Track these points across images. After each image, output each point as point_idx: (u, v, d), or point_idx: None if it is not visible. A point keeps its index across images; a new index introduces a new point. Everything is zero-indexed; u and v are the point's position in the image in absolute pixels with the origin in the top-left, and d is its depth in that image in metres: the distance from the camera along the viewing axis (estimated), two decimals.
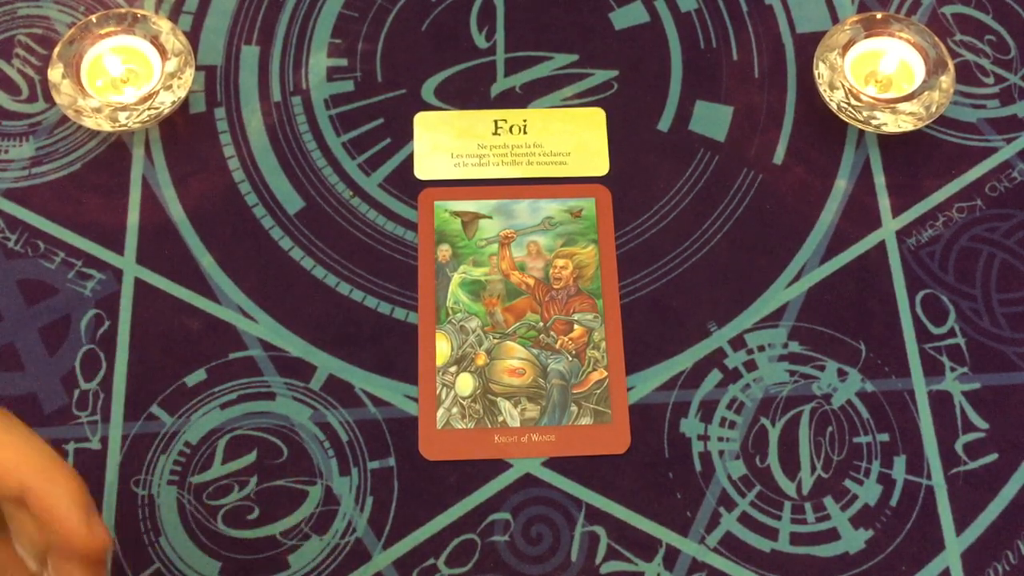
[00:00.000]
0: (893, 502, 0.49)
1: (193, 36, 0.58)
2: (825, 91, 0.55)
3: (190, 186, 0.54)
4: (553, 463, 0.49)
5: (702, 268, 0.53)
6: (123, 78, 0.54)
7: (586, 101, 0.57)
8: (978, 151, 0.56)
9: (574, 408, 0.50)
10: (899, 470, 0.49)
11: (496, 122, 0.56)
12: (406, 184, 0.55)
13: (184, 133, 0.56)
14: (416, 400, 0.50)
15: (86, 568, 0.35)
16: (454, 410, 0.50)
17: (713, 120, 0.56)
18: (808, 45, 0.58)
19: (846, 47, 0.55)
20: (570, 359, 0.51)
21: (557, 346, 0.51)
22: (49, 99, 0.56)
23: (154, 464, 0.49)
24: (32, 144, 0.55)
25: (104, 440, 0.49)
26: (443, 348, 0.51)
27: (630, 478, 0.49)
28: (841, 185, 0.55)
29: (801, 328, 0.52)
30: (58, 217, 0.53)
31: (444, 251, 0.53)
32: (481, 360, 0.51)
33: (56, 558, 0.35)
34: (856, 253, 0.54)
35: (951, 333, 0.52)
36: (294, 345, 0.51)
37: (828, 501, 0.49)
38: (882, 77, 0.55)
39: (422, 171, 0.55)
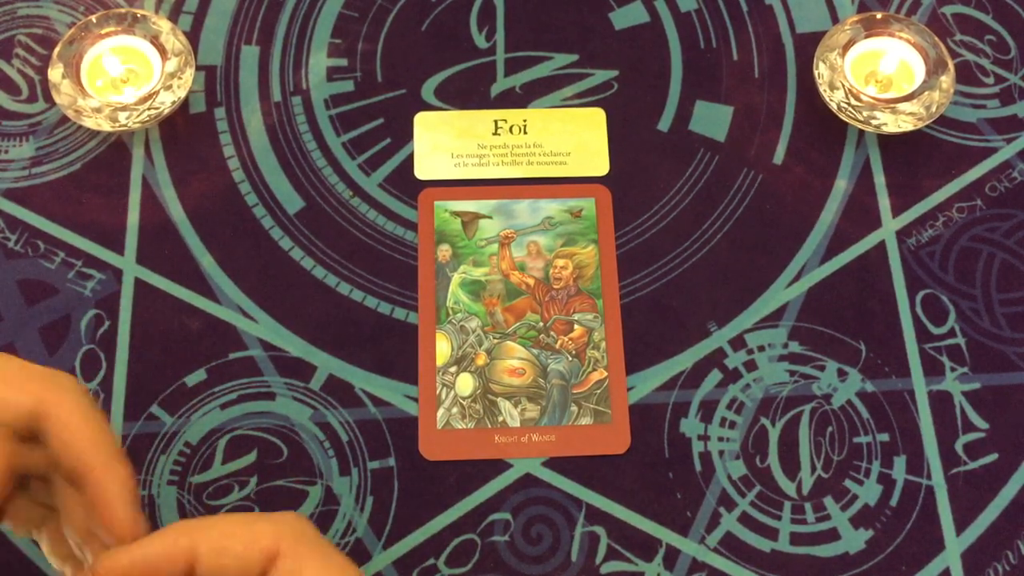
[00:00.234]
0: (893, 502, 0.49)
1: (193, 36, 0.58)
2: (825, 91, 0.55)
3: (190, 186, 0.54)
4: (553, 463, 0.49)
5: (702, 268, 0.53)
6: (123, 78, 0.54)
7: (586, 101, 0.57)
8: (978, 151, 0.56)
9: (574, 408, 0.50)
10: (899, 470, 0.49)
11: (496, 122, 0.56)
12: (406, 184, 0.55)
13: (184, 133, 0.56)
14: (416, 400, 0.50)
15: None
16: (454, 410, 0.50)
17: (713, 120, 0.56)
18: (808, 45, 0.58)
19: (846, 47, 0.55)
20: (570, 359, 0.51)
21: (557, 346, 0.51)
22: (49, 99, 0.56)
23: (154, 464, 0.49)
24: (32, 144, 0.55)
25: None
26: (443, 348, 0.51)
27: (630, 478, 0.49)
28: (841, 185, 0.55)
29: (801, 328, 0.52)
30: (58, 217, 0.53)
31: (444, 251, 0.53)
32: (481, 360, 0.51)
33: (95, 545, 0.37)
34: (856, 253, 0.54)
35: (951, 333, 0.52)
36: (294, 345, 0.51)
37: (828, 501, 0.49)
38: (882, 77, 0.55)
39: (422, 171, 0.55)
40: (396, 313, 0.52)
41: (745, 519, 0.48)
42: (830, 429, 0.50)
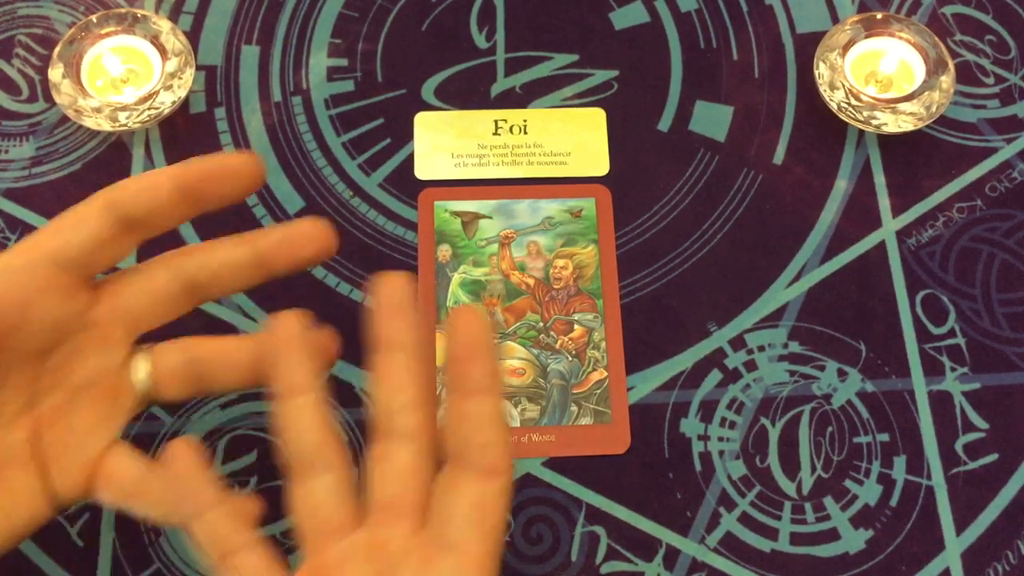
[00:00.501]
0: (893, 502, 0.49)
1: (193, 36, 0.58)
2: (825, 91, 0.55)
3: None
4: (553, 463, 0.49)
5: (702, 268, 0.53)
6: (123, 78, 0.54)
7: (586, 101, 0.57)
8: (978, 151, 0.56)
9: (574, 408, 0.50)
10: (899, 470, 0.49)
11: (496, 122, 0.56)
12: (406, 184, 0.55)
13: (184, 133, 0.56)
14: None
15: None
16: None
17: (713, 120, 0.56)
18: (808, 45, 0.58)
19: (846, 47, 0.55)
20: (570, 359, 0.51)
21: (557, 346, 0.51)
22: (49, 99, 0.56)
23: None
24: (32, 144, 0.55)
25: None
26: (443, 348, 0.51)
27: (630, 478, 0.49)
28: (841, 185, 0.55)
29: (801, 328, 0.52)
30: None
31: (444, 251, 0.53)
32: None
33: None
34: (856, 253, 0.54)
35: (951, 333, 0.52)
36: None
37: (828, 501, 0.49)
38: (882, 77, 0.55)
39: (422, 171, 0.55)
40: None
41: (745, 519, 0.48)
42: (830, 429, 0.50)
